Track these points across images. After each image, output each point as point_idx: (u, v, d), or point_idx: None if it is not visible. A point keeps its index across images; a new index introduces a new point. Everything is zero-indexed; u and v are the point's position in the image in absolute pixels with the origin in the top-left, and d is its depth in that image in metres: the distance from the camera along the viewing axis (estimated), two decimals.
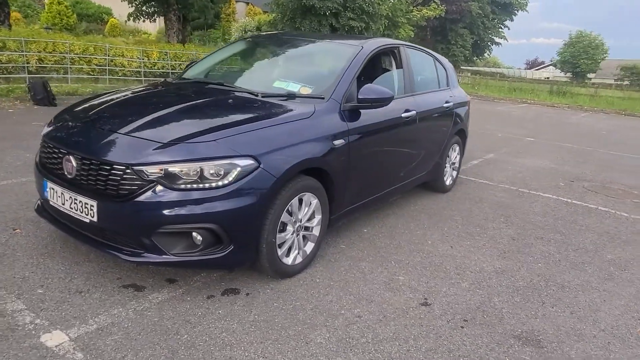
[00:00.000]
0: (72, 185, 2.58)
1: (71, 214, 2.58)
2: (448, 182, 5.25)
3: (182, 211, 2.39)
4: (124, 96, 3.27)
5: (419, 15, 26.47)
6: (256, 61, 3.91)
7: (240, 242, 2.54)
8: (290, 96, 3.18)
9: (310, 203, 2.96)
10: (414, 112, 3.99)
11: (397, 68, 4.06)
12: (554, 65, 61.33)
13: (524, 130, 11.67)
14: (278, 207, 2.66)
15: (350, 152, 3.19)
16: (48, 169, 2.76)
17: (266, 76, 3.67)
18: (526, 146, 9.27)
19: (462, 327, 2.60)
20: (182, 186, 2.39)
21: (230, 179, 2.43)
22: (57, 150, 2.66)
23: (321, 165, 2.92)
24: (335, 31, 22.60)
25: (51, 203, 2.72)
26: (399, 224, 4.13)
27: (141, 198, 2.38)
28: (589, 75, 54.93)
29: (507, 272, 3.34)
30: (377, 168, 3.68)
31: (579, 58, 50.80)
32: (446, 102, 4.78)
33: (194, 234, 2.48)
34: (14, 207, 3.65)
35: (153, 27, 33.29)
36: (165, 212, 2.38)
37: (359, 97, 3.21)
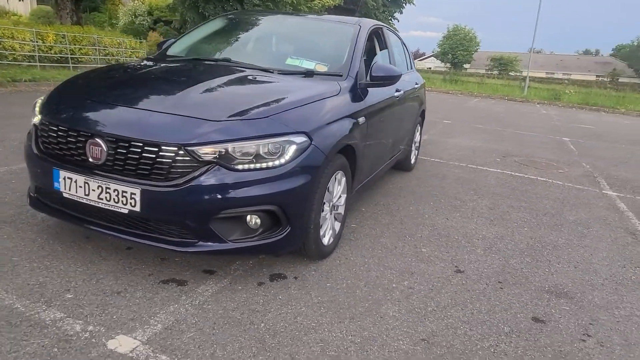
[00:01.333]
0: (102, 172, 2.25)
1: (101, 205, 2.27)
2: (413, 160, 5.49)
3: (243, 193, 2.22)
4: (128, 73, 2.93)
5: (320, 5, 26.88)
6: (252, 39, 3.69)
7: (296, 223, 2.43)
8: (309, 74, 3.09)
9: (341, 181, 2.93)
10: (402, 92, 4.10)
11: (383, 48, 4.13)
12: (435, 56, 66.40)
13: (437, 114, 12.51)
14: (322, 185, 2.59)
15: (368, 129, 3.20)
16: (59, 156, 2.37)
17: (274, 54, 3.51)
18: (448, 128, 9.97)
19: (501, 288, 2.77)
20: (240, 167, 2.22)
21: (287, 157, 2.31)
22: (75, 134, 2.30)
23: (351, 142, 2.90)
24: None
25: (65, 195, 2.35)
26: (389, 201, 4.24)
27: (198, 182, 2.16)
28: (465, 66, 60.40)
29: (505, 238, 3.61)
30: (379, 146, 3.74)
31: (456, 50, 55.63)
32: (415, 83, 4.97)
33: (250, 217, 2.33)
34: None
35: (23, 7, 29.63)
36: (226, 195, 2.20)
37: (372, 74, 3.22)
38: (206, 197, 2.18)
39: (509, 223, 3.98)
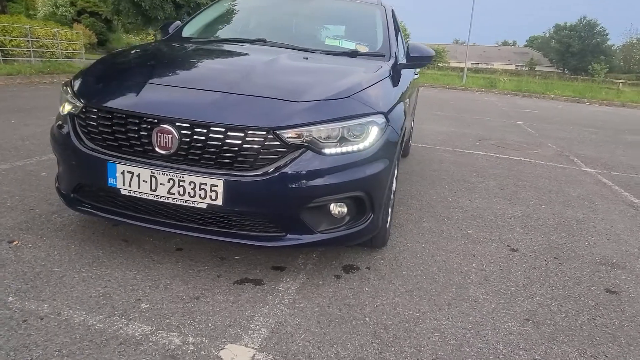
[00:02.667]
0: (173, 163, 1.99)
1: (172, 201, 2.00)
2: (410, 145, 5.48)
3: (333, 179, 2.05)
4: (167, 54, 2.64)
5: None
6: (276, 19, 3.45)
7: (378, 209, 2.29)
8: (352, 54, 2.94)
9: (397, 165, 2.82)
10: (417, 75, 4.05)
11: (397, 30, 4.04)
12: None
13: None
14: (394, 169, 2.47)
15: (407, 111, 3.12)
16: (115, 148, 2.06)
17: (307, 34, 3.30)
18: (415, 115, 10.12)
19: (560, 263, 2.80)
20: (327, 151, 2.04)
21: (371, 139, 2.16)
22: (136, 120, 2.00)
23: (406, 125, 2.79)
24: (180, 8, 21.16)
25: (124, 193, 2.05)
26: (407, 187, 4.19)
27: (289, 169, 1.96)
28: None
29: (532, 216, 3.68)
30: (407, 130, 3.66)
31: None
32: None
33: (334, 206, 2.16)
34: None
35: None
36: (317, 182, 2.02)
37: (411, 54, 3.13)
38: (298, 185, 1.98)
39: (525, 202, 4.06)
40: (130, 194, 2.04)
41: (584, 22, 60.48)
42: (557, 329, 2.07)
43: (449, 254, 2.77)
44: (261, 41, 2.96)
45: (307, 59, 2.68)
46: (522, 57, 71.94)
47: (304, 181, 1.99)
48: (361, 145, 2.12)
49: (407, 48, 3.16)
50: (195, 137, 1.95)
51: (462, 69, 24.48)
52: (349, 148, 2.09)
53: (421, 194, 3.98)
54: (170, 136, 1.95)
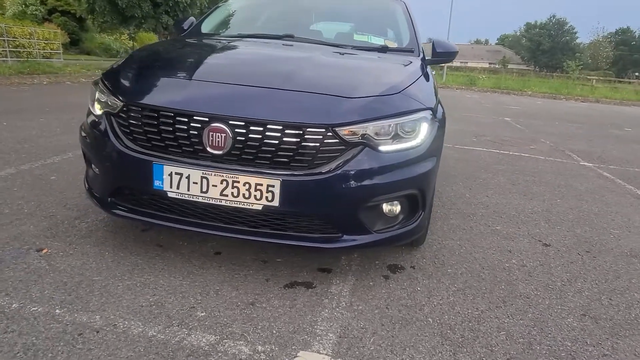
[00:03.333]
0: (225, 163, 1.89)
1: (224, 203, 1.91)
2: None
3: (390, 178, 1.99)
4: (199, 50, 2.53)
5: None
6: (299, 14, 3.36)
7: (428, 207, 2.25)
8: (383, 49, 2.89)
9: None
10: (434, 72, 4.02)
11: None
12: None
13: None
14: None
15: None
16: (161, 149, 1.96)
17: (334, 29, 3.22)
18: None
19: (594, 257, 2.81)
20: (383, 148, 1.99)
21: (422, 136, 2.11)
22: (185, 119, 1.90)
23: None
24: (158, 6, 20.72)
25: (171, 195, 1.95)
26: None
27: (348, 167, 1.89)
28: None
29: (551, 210, 3.70)
30: None
31: None
32: None
33: (387, 204, 2.10)
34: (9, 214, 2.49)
35: None
36: (376, 181, 1.96)
37: (437, 50, 3.10)
38: (357, 184, 1.92)
39: (540, 196, 4.09)
40: (179, 197, 1.94)
41: (553, 21, 62.12)
42: (615, 323, 2.06)
43: (486, 251, 2.74)
44: (289, 37, 2.88)
45: (343, 54, 2.61)
46: (495, 55, 73.31)
47: (362, 179, 1.93)
48: (414, 142, 2.07)
49: (432, 44, 3.12)
50: (250, 135, 1.87)
51: (441, 67, 24.72)
52: (403, 145, 2.04)
53: (439, 191, 3.95)
54: (223, 135, 1.86)
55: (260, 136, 1.86)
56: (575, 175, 5.09)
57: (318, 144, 1.87)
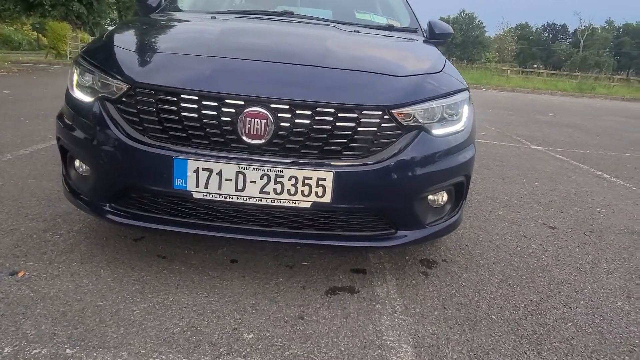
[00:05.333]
0: (266, 155, 1.60)
1: (264, 202, 1.61)
2: None
3: (445, 164, 1.81)
4: (207, 27, 2.17)
5: None
6: None
7: (466, 195, 2.09)
8: (389, 28, 2.69)
9: None
10: None
11: None
12: None
13: None
14: None
15: None
16: (184, 140, 1.61)
17: (335, 8, 2.94)
18: None
19: (599, 237, 2.83)
20: (436, 132, 1.79)
21: (465, 118, 1.95)
22: (215, 103, 1.57)
23: None
24: None
25: (197, 196, 1.62)
26: None
27: (407, 154, 1.68)
28: None
29: (535, 193, 3.74)
30: None
31: None
32: None
33: (434, 195, 1.91)
34: None
35: None
36: (433, 168, 1.76)
37: (436, 32, 2.95)
38: (415, 172, 1.71)
39: (518, 180, 4.13)
40: (207, 197, 1.61)
41: (464, 15, 65.66)
42: None
43: (503, 238, 2.66)
44: (288, 14, 2.58)
45: (358, 32, 2.37)
46: None
47: (420, 168, 1.72)
48: (458, 126, 1.90)
49: (429, 25, 2.97)
50: (297, 120, 1.58)
51: None
52: (452, 128, 1.86)
53: None
54: (264, 121, 1.56)
55: (308, 121, 1.58)
56: (535, 159, 5.25)
57: (375, 129, 1.63)
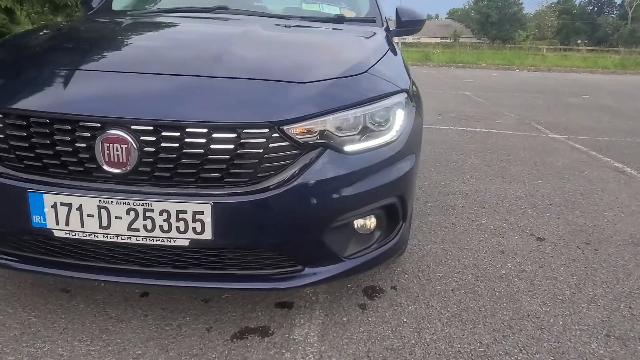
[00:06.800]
0: (131, 185, 1.35)
1: (136, 240, 1.37)
2: None
3: (362, 187, 1.50)
4: (98, 33, 1.94)
5: None
6: None
7: (409, 215, 1.78)
8: (339, 19, 2.37)
9: None
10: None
11: None
12: None
13: None
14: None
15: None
16: (38, 170, 1.38)
17: (280, 1, 2.65)
18: None
19: (595, 250, 2.45)
20: (349, 148, 1.49)
21: (398, 127, 1.62)
22: (69, 127, 1.33)
23: None
24: None
25: (59, 235, 1.39)
26: None
27: (305, 178, 1.39)
28: None
29: (535, 194, 3.34)
30: None
31: None
32: None
33: (358, 220, 1.61)
34: None
35: None
36: (345, 192, 1.46)
37: (403, 19, 2.60)
38: (318, 199, 1.42)
39: (519, 178, 3.72)
40: (69, 236, 1.38)
41: None
42: None
43: (476, 254, 2.32)
44: (222, 9, 2.30)
45: (289, 27, 2.07)
46: (446, 29, 73.89)
47: (325, 193, 1.43)
48: (388, 136, 1.58)
49: (397, 12, 2.63)
50: (164, 144, 1.32)
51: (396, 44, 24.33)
52: (375, 142, 1.54)
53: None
54: (124, 147, 1.30)
55: (177, 144, 1.32)
56: (549, 151, 4.78)
57: (261, 150, 1.35)
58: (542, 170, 3.97)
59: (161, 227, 1.34)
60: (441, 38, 69.96)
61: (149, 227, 1.34)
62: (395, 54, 2.09)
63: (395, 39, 2.62)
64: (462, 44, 35.11)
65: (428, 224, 2.68)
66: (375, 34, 2.13)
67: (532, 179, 3.71)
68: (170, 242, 1.36)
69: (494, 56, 23.79)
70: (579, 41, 58.13)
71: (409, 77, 1.90)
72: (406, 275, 2.08)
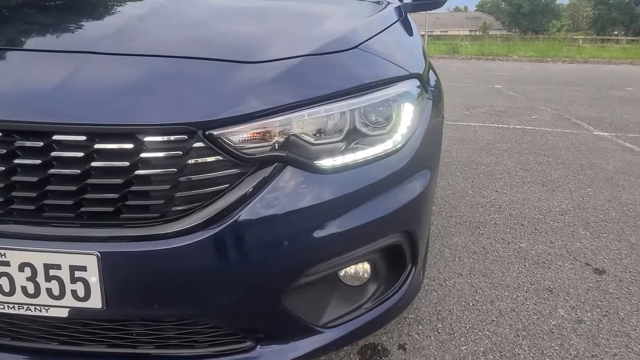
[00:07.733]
0: None
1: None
2: None
3: (347, 222, 0.98)
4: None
5: None
6: None
7: (420, 255, 1.23)
8: None
9: None
10: None
11: None
12: None
13: None
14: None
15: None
16: None
17: None
18: None
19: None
20: (327, 163, 0.96)
21: (405, 129, 1.09)
22: None
23: None
24: None
25: None
26: None
27: (251, 210, 0.87)
28: None
29: (585, 207, 2.74)
30: None
31: None
32: None
33: (349, 269, 1.09)
34: None
35: None
36: (319, 233, 0.94)
37: None
38: (274, 246, 0.90)
39: (564, 185, 3.12)
40: None
41: None
42: None
43: (515, 294, 1.76)
44: None
45: None
46: (475, 21, 71.96)
47: (286, 235, 0.91)
48: (389, 143, 1.05)
49: None
50: (20, 161, 0.83)
51: (421, 37, 23.52)
52: (370, 151, 1.02)
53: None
54: None
55: (38, 161, 0.82)
56: (595, 150, 4.13)
57: (174, 170, 0.84)
58: (590, 176, 3.35)
59: (23, 290, 0.86)
60: (470, 31, 68.15)
61: (7, 289, 0.86)
62: (410, 32, 1.56)
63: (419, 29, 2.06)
64: (492, 36, 33.69)
65: (452, 248, 2.13)
66: (380, 2, 1.60)
67: (580, 186, 3.10)
68: (42, 311, 0.88)
69: (525, 48, 22.68)
70: (615, 32, 55.56)
71: (425, 61, 1.37)
72: (420, 327, 1.55)
